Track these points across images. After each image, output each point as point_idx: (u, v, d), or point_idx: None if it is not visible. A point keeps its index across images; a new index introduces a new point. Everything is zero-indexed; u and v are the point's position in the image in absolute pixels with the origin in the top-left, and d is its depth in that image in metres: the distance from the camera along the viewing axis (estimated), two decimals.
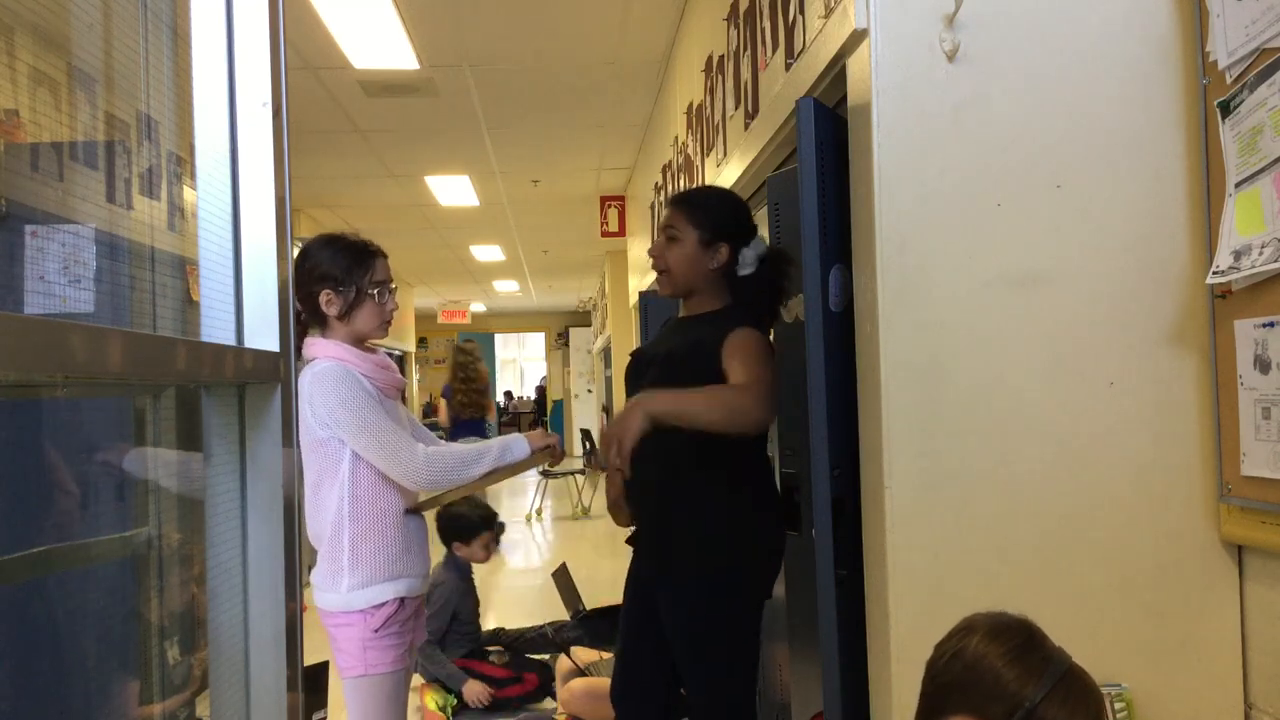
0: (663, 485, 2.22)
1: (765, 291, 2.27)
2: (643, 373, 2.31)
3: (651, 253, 2.33)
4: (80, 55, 1.34)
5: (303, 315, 2.22)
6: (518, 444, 2.29)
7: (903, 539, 1.76)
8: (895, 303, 1.77)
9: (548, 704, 4.08)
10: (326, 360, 2.14)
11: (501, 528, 4.29)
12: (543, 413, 20.42)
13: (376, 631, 2.14)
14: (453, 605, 4.18)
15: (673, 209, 2.31)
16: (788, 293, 2.30)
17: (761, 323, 2.26)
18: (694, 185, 4.08)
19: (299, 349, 2.18)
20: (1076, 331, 1.79)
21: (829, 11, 1.97)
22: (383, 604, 2.14)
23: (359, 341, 2.23)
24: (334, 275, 2.17)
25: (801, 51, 2.26)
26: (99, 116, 1.49)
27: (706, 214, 2.27)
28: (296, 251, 1.94)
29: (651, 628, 2.31)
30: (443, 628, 4.16)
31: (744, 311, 2.25)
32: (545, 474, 10.64)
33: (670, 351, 2.26)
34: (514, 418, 20.42)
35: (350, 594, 2.13)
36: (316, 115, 5.75)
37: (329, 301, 2.18)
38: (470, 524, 4.22)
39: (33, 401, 1.32)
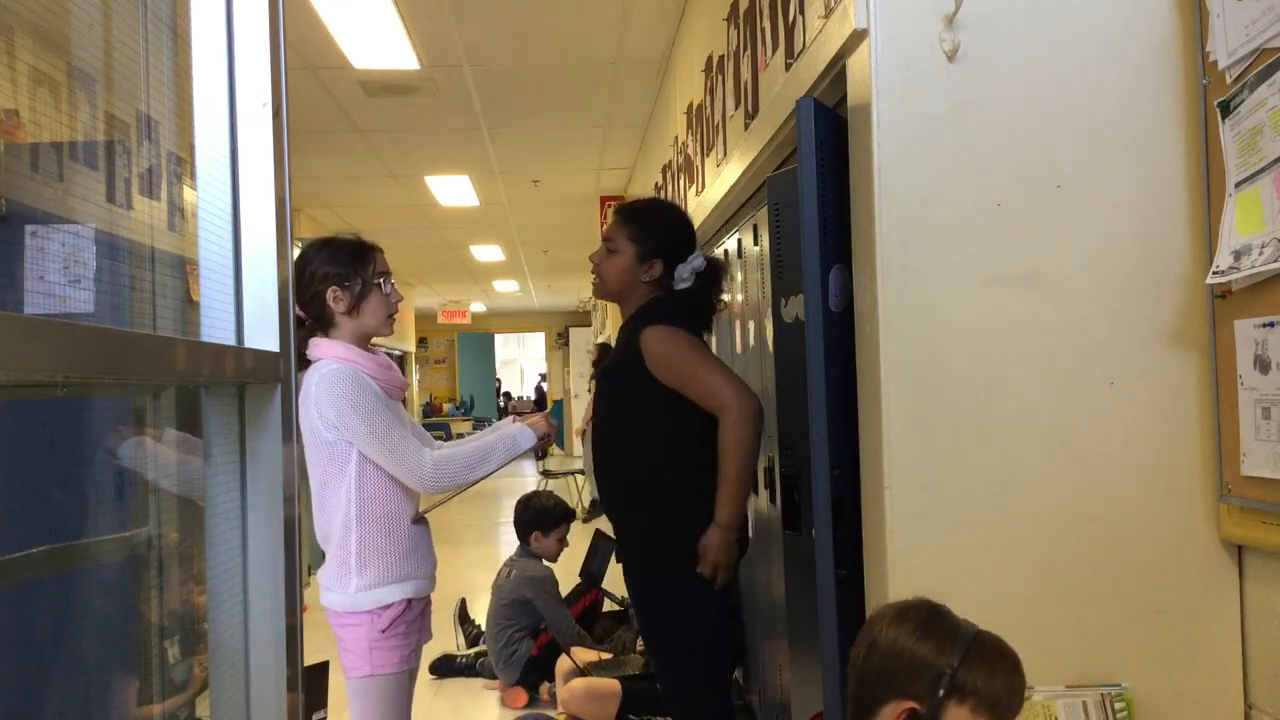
0: (630, 497, 2.37)
1: (697, 299, 2.38)
2: (601, 391, 2.45)
3: (591, 258, 2.45)
4: (80, 55, 1.34)
5: (306, 321, 2.22)
6: (523, 435, 2.31)
7: (903, 539, 1.76)
8: (895, 303, 1.77)
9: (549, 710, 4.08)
10: (334, 362, 2.14)
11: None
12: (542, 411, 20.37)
13: (383, 632, 2.14)
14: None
15: (614, 221, 2.42)
16: (718, 301, 2.46)
17: (679, 314, 2.33)
18: (696, 185, 4.09)
19: (301, 352, 2.18)
20: (1076, 331, 1.79)
21: (829, 11, 1.97)
22: (389, 605, 2.14)
23: (364, 340, 2.24)
24: (338, 272, 2.18)
25: (801, 51, 2.26)
26: (99, 116, 1.49)
27: (644, 230, 2.36)
28: (296, 252, 1.94)
29: None
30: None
31: (661, 304, 2.33)
32: (545, 474, 10.65)
33: (609, 366, 2.41)
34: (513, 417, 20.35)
35: (357, 595, 2.13)
36: (316, 115, 5.74)
37: (336, 298, 2.18)
38: (553, 515, 4.36)
39: (33, 401, 1.32)
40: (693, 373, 2.23)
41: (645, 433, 2.27)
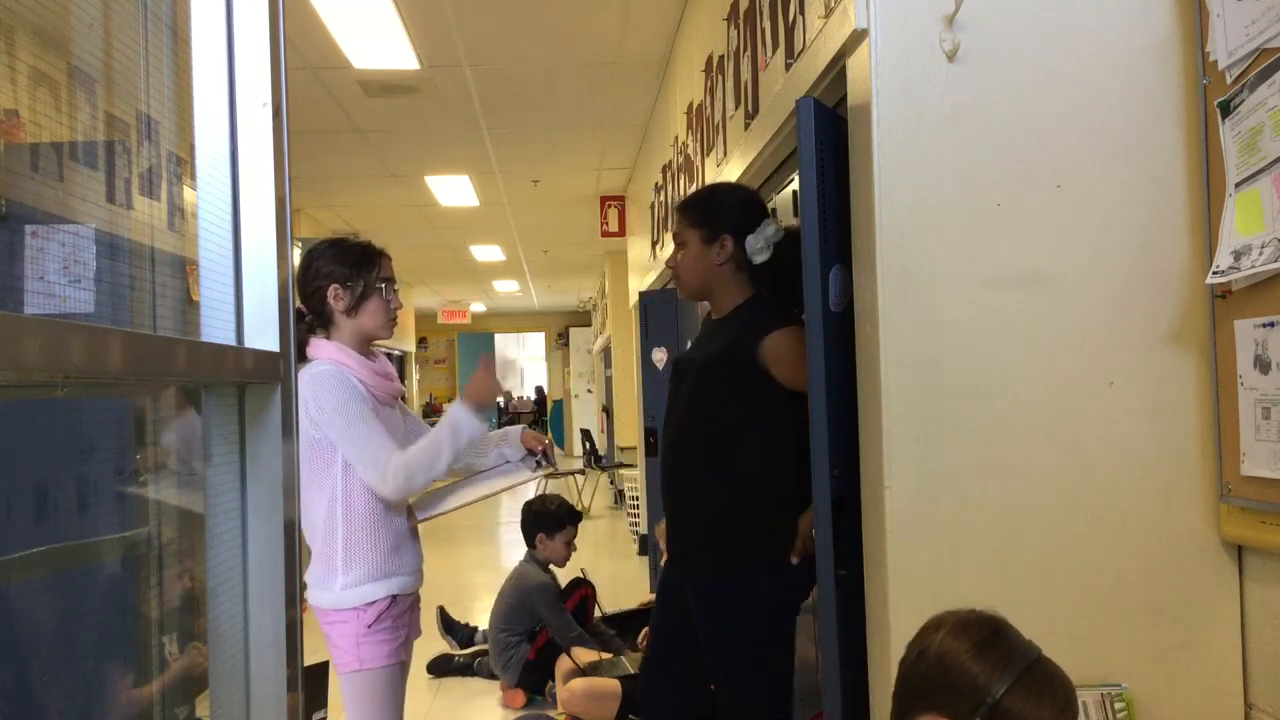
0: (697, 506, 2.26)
1: (784, 274, 2.22)
2: (683, 379, 2.32)
3: (668, 264, 2.38)
4: (80, 55, 1.34)
5: (307, 317, 2.24)
6: (464, 422, 2.22)
7: (903, 539, 1.76)
8: (895, 303, 1.77)
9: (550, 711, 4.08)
10: (326, 363, 2.16)
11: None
12: (543, 413, 20.41)
13: (370, 627, 2.17)
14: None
15: (676, 219, 2.35)
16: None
17: (791, 310, 2.23)
18: (696, 185, 4.09)
19: (302, 351, 2.19)
20: (1076, 331, 1.79)
21: (829, 11, 1.97)
22: (374, 601, 2.17)
23: (363, 343, 2.25)
24: (341, 271, 2.20)
25: (801, 51, 2.26)
26: (99, 116, 1.49)
27: (703, 212, 2.30)
28: (297, 252, 1.94)
29: (680, 632, 2.34)
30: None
31: (770, 305, 2.26)
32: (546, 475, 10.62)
33: (705, 357, 2.28)
34: (513, 418, 20.39)
35: (343, 592, 2.16)
36: (316, 115, 5.74)
37: (336, 296, 2.20)
38: (556, 516, 4.33)
39: (33, 402, 1.32)
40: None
41: (751, 431, 2.18)
